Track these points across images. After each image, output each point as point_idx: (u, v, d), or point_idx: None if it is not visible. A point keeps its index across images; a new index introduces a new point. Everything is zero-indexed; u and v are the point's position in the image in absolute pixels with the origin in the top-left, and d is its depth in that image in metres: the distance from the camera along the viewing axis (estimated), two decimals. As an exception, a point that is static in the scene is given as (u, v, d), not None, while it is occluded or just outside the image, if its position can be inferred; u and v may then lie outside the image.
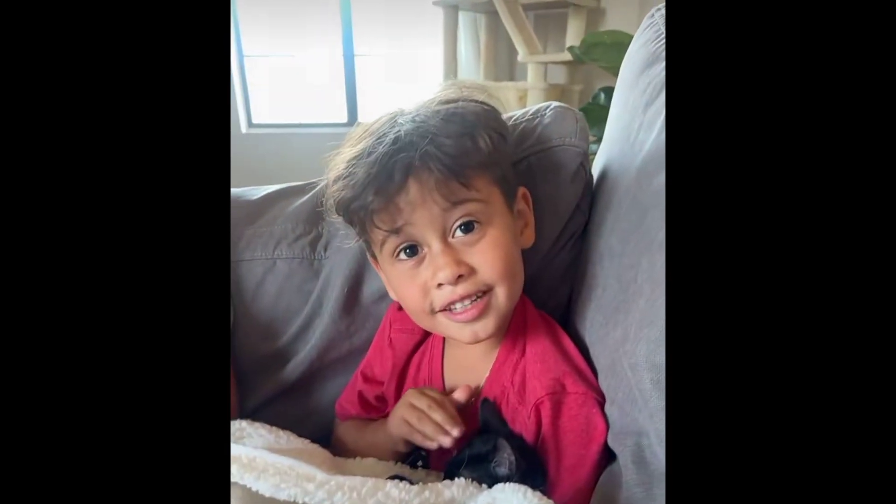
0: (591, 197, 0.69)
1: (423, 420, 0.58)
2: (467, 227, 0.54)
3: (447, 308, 0.56)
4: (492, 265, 0.55)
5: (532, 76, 2.45)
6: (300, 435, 0.65)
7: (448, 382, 0.66)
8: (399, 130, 0.53)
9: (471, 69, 2.74)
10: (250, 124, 3.27)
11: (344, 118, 3.21)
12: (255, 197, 0.80)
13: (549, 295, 0.71)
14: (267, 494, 0.44)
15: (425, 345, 0.68)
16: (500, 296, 0.56)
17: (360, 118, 3.30)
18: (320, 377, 0.77)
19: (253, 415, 0.76)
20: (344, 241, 0.74)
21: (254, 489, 0.44)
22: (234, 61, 3.10)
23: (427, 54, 3.07)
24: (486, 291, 0.55)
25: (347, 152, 0.56)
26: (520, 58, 2.51)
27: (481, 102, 0.59)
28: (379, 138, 0.53)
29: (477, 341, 0.58)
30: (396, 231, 0.54)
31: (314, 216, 0.78)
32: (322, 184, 0.79)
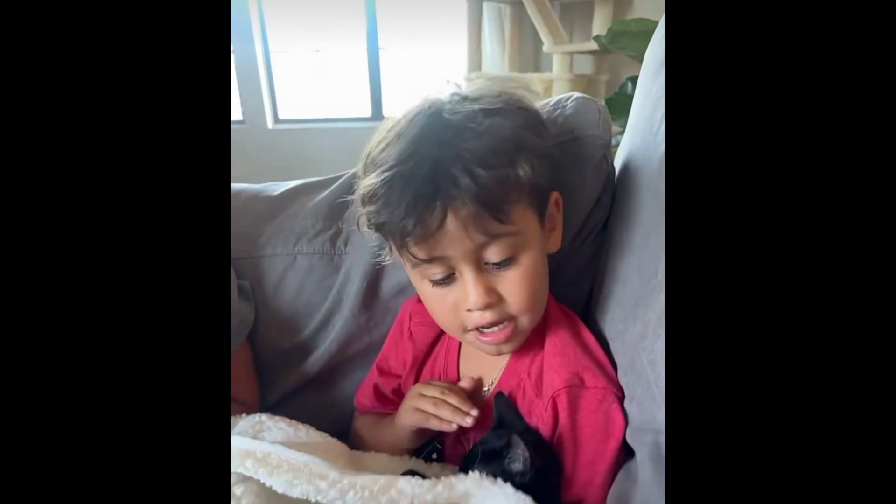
0: (612, 190, 0.68)
1: (440, 404, 0.59)
2: (502, 262, 0.54)
3: (477, 328, 0.57)
4: (519, 296, 0.55)
5: (558, 66, 2.42)
6: (320, 428, 0.66)
7: (463, 375, 0.66)
8: (435, 151, 0.50)
9: (496, 60, 2.71)
10: (276, 120, 3.31)
11: (368, 112, 3.22)
12: (276, 192, 0.81)
13: (570, 288, 0.70)
14: (280, 491, 0.44)
15: (440, 344, 0.68)
16: (525, 322, 0.57)
17: (385, 112, 3.31)
18: (340, 371, 0.77)
19: (275, 408, 0.78)
20: (363, 237, 0.75)
21: (267, 485, 0.44)
22: (260, 57, 3.13)
23: (451, 46, 3.06)
24: (512, 318, 0.56)
25: (377, 154, 0.54)
26: (545, 48, 2.48)
27: (518, 102, 0.56)
28: (413, 157, 0.51)
29: (500, 354, 0.61)
30: (431, 260, 0.53)
31: (334, 211, 0.78)
32: (343, 180, 0.80)
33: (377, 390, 0.71)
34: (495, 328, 0.56)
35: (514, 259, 0.54)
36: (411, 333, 0.69)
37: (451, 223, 0.50)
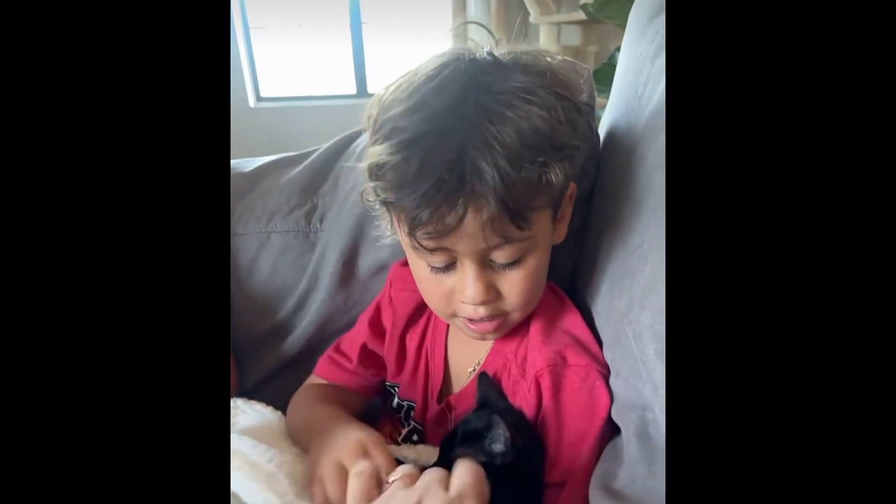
0: (597, 158, 0.65)
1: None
2: (510, 263, 0.50)
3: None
4: (518, 296, 0.52)
5: (544, 38, 2.37)
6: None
7: (451, 354, 0.64)
8: (462, 132, 0.44)
9: (481, 32, 2.65)
10: (258, 98, 3.23)
11: (353, 89, 3.16)
12: (248, 169, 0.78)
13: (557, 263, 0.67)
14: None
15: (427, 314, 0.66)
16: (516, 317, 0.55)
17: (371, 89, 3.24)
18: (319, 353, 0.74)
19: (252, 391, 0.75)
20: (340, 211, 0.72)
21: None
22: (239, 33, 3.05)
23: (436, 18, 2.99)
24: (505, 313, 0.54)
25: (393, 116, 0.47)
26: (532, 19, 2.42)
27: (561, 88, 0.49)
28: (436, 134, 0.44)
29: (484, 340, 0.58)
30: (436, 250, 0.49)
31: (309, 187, 0.75)
32: (317, 155, 0.76)
33: (365, 350, 0.66)
34: (485, 318, 0.53)
35: (522, 260, 0.51)
36: (391, 299, 0.66)
37: (470, 222, 0.45)
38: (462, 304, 0.53)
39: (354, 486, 0.45)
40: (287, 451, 0.52)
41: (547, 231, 0.52)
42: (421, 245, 0.48)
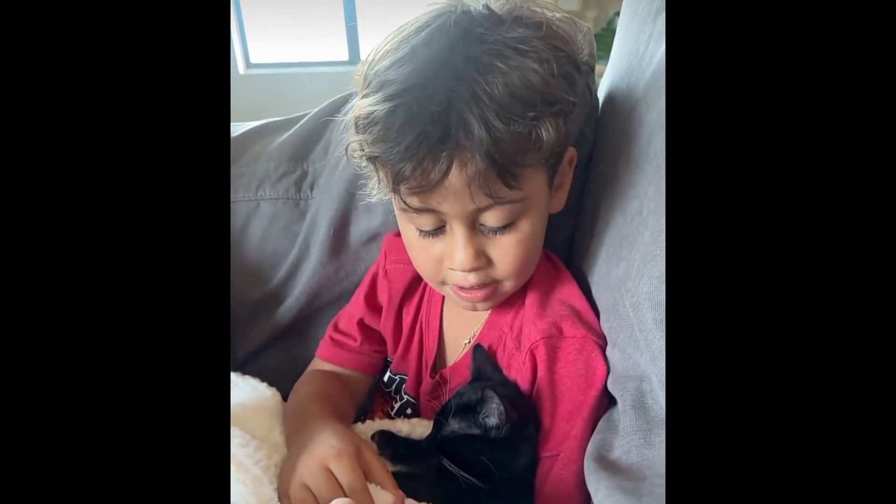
0: (595, 122, 0.63)
1: None
2: (499, 227, 0.48)
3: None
4: (509, 263, 0.50)
5: (542, 2, 2.31)
6: (288, 386, 0.63)
7: (446, 326, 0.62)
8: (450, 84, 0.42)
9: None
10: (248, 65, 3.16)
11: (346, 55, 3.08)
12: (235, 134, 0.75)
13: (554, 231, 0.66)
14: None
15: (423, 286, 0.64)
16: (509, 286, 0.53)
17: (363, 55, 3.16)
18: (312, 323, 0.74)
19: (246, 362, 0.74)
20: (331, 178, 0.70)
21: None
22: (228, -2, 2.96)
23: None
24: (496, 282, 0.52)
25: (382, 69, 0.45)
26: (528, -17, 2.36)
27: (557, 41, 0.47)
28: (424, 85, 0.42)
29: (475, 311, 0.56)
30: (423, 210, 0.47)
31: (299, 153, 0.73)
32: (307, 119, 0.74)
33: (363, 326, 0.65)
34: (476, 286, 0.52)
35: (514, 224, 0.49)
36: (386, 272, 0.64)
37: (455, 178, 0.43)
38: (451, 271, 0.51)
39: None
40: (278, 449, 0.51)
41: (541, 194, 0.50)
42: (407, 204, 0.47)
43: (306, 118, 0.75)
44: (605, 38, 1.91)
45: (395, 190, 0.46)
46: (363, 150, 0.47)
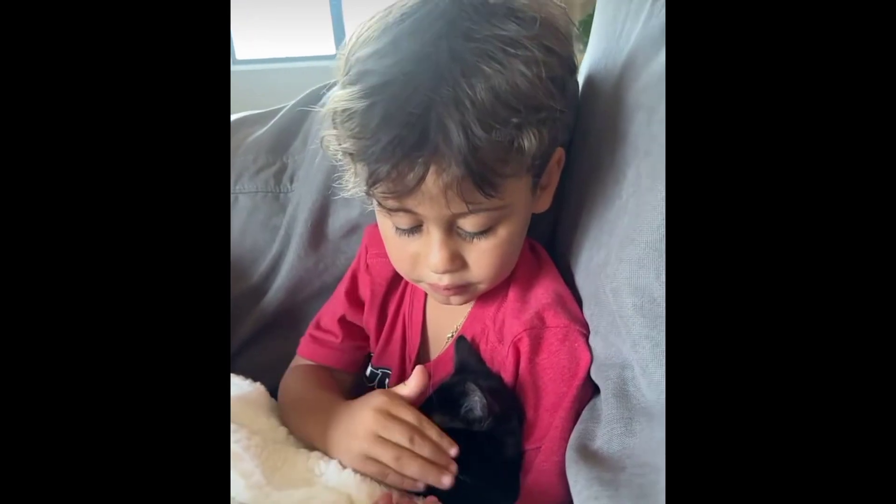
0: (576, 108, 0.62)
1: (405, 458, 0.46)
2: (479, 233, 0.47)
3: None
4: (485, 268, 0.49)
5: (528, -9, 2.29)
6: (274, 380, 0.62)
7: (430, 319, 0.61)
8: (431, 84, 0.40)
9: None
10: (235, 61, 3.14)
11: (332, 49, 3.06)
12: (212, 128, 0.74)
13: (537, 219, 0.65)
14: None
15: (405, 280, 0.63)
16: (482, 288, 0.52)
17: (347, 38, 3.12)
18: (296, 317, 0.72)
19: (234, 358, 0.73)
20: (310, 170, 0.68)
21: None
22: (213, -7, 2.93)
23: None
24: (471, 284, 0.51)
25: (361, 57, 0.43)
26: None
27: (551, 39, 0.44)
28: (403, 82, 0.40)
29: (448, 304, 0.55)
30: (398, 210, 0.45)
31: (278, 146, 0.71)
32: (285, 111, 0.73)
33: (344, 323, 0.63)
34: (449, 288, 0.51)
35: (492, 230, 0.47)
36: (368, 266, 0.63)
37: (431, 183, 0.42)
38: (427, 270, 0.50)
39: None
40: (257, 431, 0.51)
41: (522, 200, 0.48)
42: (381, 204, 0.45)
43: (284, 110, 0.74)
44: (591, 23, 1.90)
45: (370, 192, 0.44)
46: (339, 145, 0.45)
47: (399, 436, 0.46)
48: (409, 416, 0.47)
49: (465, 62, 0.41)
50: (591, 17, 2.02)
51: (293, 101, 0.73)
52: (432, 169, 0.41)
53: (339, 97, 0.43)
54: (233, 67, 3.14)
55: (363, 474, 0.47)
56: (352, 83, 0.43)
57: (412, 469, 0.45)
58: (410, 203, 0.44)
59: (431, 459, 0.45)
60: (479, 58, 0.41)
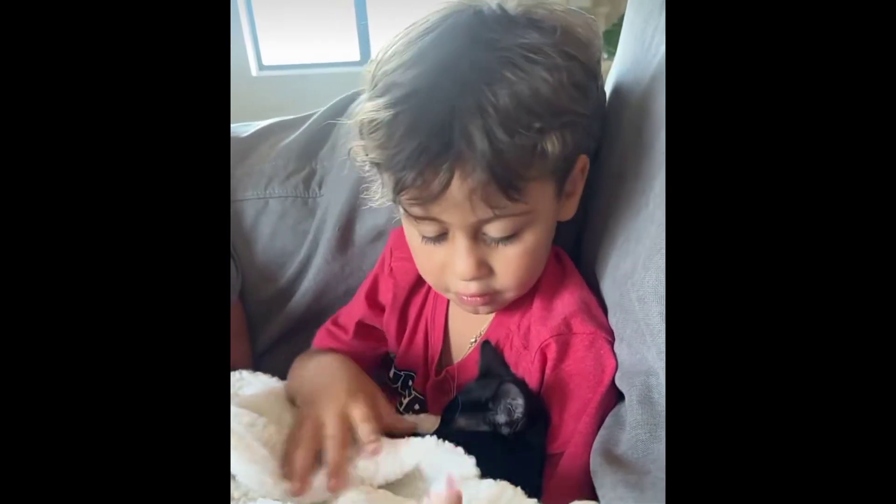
0: (603, 118, 0.63)
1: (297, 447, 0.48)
2: (504, 238, 0.48)
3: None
4: (512, 275, 0.50)
5: None
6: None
7: (452, 324, 0.62)
8: (455, 91, 0.41)
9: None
10: (261, 67, 3.19)
11: (357, 56, 3.10)
12: (245, 134, 0.76)
13: (562, 226, 0.65)
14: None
15: (428, 285, 0.64)
16: (510, 296, 0.53)
17: (374, 56, 3.17)
18: (320, 320, 0.73)
19: (261, 357, 0.76)
20: (339, 176, 0.70)
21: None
22: (241, 2, 2.98)
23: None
24: (497, 292, 0.52)
25: (389, 70, 0.45)
26: (539, -20, 2.35)
27: (573, 46, 0.46)
28: (428, 92, 0.42)
29: (476, 314, 0.56)
30: (424, 218, 0.47)
31: (308, 151, 0.73)
32: (316, 118, 0.74)
33: (361, 326, 0.65)
34: (476, 296, 0.52)
35: (517, 235, 0.48)
36: (392, 269, 0.64)
37: (456, 188, 0.43)
38: (453, 278, 0.51)
39: None
40: (274, 421, 0.52)
41: (547, 205, 0.49)
42: (408, 212, 0.47)
43: (314, 117, 0.75)
44: (615, 33, 1.90)
45: (396, 200, 0.46)
46: (366, 155, 0.47)
47: (329, 448, 0.48)
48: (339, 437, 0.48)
49: (487, 70, 0.42)
50: (615, 26, 2.03)
51: (323, 108, 0.75)
52: (457, 174, 0.42)
53: (365, 109, 0.45)
54: (259, 73, 3.19)
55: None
56: (378, 95, 0.45)
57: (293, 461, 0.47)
58: (436, 210, 0.45)
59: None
60: (501, 66, 0.42)
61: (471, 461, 0.44)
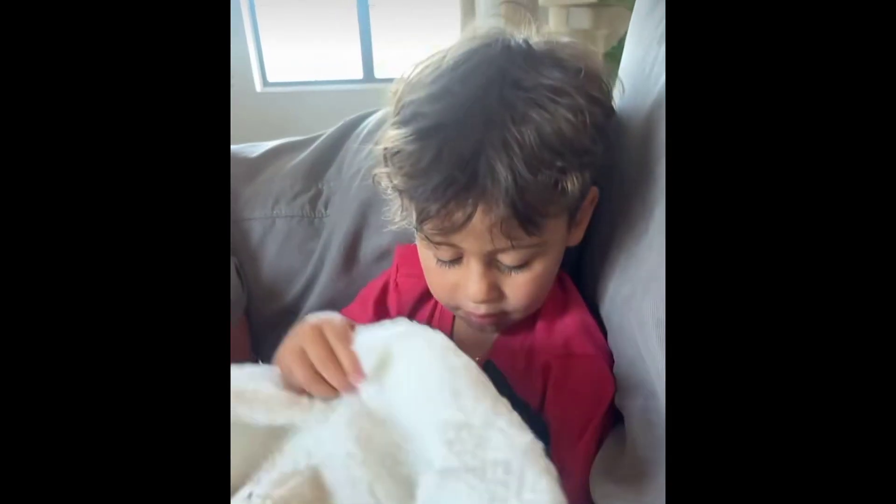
0: (611, 148, 0.64)
1: (314, 383, 0.44)
2: (517, 266, 0.50)
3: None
4: (522, 298, 0.52)
5: (554, 21, 2.33)
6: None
7: (457, 342, 0.62)
8: (482, 126, 0.42)
9: (489, 15, 2.63)
10: (265, 83, 3.23)
11: (360, 74, 3.14)
12: (254, 154, 0.78)
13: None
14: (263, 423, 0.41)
15: (434, 301, 0.65)
16: (517, 317, 0.55)
17: (377, 74, 3.22)
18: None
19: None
20: (345, 197, 0.71)
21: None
22: (246, 19, 3.03)
23: (443, 3, 2.96)
24: (507, 313, 0.53)
25: (416, 99, 0.46)
26: (541, 1, 2.39)
27: (594, 88, 0.47)
28: (455, 126, 0.43)
29: (483, 333, 0.57)
30: (443, 244, 0.49)
31: (314, 172, 0.75)
32: (323, 139, 0.76)
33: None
34: (485, 316, 0.53)
35: (529, 264, 0.50)
36: (397, 284, 0.65)
37: (478, 221, 0.44)
38: (465, 299, 0.52)
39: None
40: None
41: (559, 237, 0.51)
42: (427, 238, 0.48)
43: (321, 138, 0.77)
44: (615, 55, 1.93)
45: (419, 228, 0.47)
46: (391, 182, 0.48)
47: (314, 355, 0.44)
48: (333, 336, 0.45)
49: (514, 109, 0.43)
50: (614, 49, 2.05)
51: (330, 130, 0.77)
52: (480, 208, 0.44)
53: (390, 136, 0.46)
54: (263, 89, 3.23)
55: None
56: (404, 124, 0.46)
57: (318, 391, 0.44)
58: (456, 238, 0.47)
59: (336, 384, 0.43)
60: (527, 105, 0.43)
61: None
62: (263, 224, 0.74)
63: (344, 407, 0.43)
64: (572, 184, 0.45)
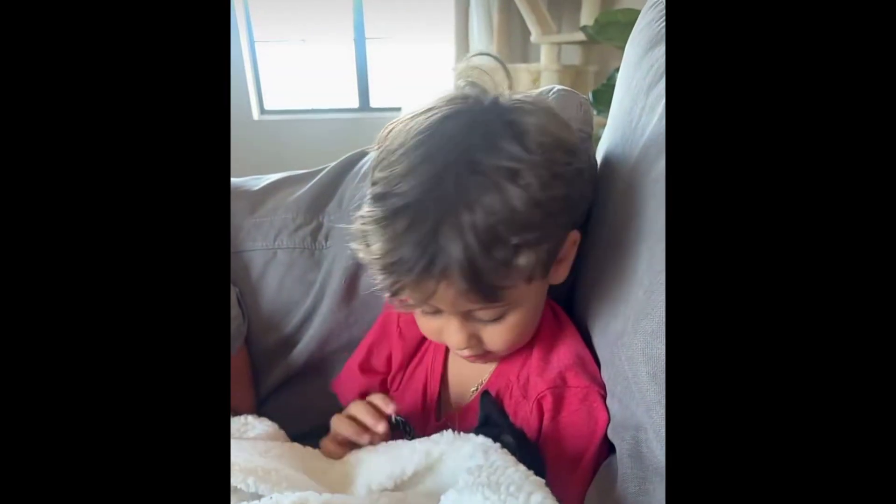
0: (595, 182, 0.67)
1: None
2: (493, 319, 0.54)
3: None
4: (500, 344, 0.56)
5: (545, 57, 2.41)
6: (305, 422, 0.65)
7: (454, 372, 0.65)
8: (440, 206, 0.45)
9: (483, 50, 2.70)
10: (262, 111, 3.27)
11: (356, 103, 3.19)
12: (257, 187, 0.80)
13: (556, 285, 0.69)
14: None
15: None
16: (503, 355, 0.59)
17: (373, 103, 3.28)
18: (322, 367, 0.77)
19: (264, 402, 0.78)
20: (346, 230, 0.74)
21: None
22: (244, 47, 3.09)
23: (439, 36, 3.03)
24: (491, 353, 0.57)
25: (391, 164, 0.48)
26: (533, 38, 2.46)
27: (566, 159, 0.49)
28: (418, 203, 0.46)
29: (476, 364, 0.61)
30: (418, 305, 0.52)
31: (315, 205, 0.77)
32: (324, 173, 0.79)
33: (364, 394, 0.68)
34: (472, 356, 0.58)
35: (503, 317, 0.54)
36: (401, 331, 0.68)
37: (443, 293, 0.49)
38: (450, 342, 0.56)
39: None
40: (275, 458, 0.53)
41: (531, 293, 0.54)
42: (402, 303, 0.52)
43: (323, 172, 0.80)
44: (605, 92, 1.99)
45: (391, 298, 0.51)
46: (364, 258, 0.51)
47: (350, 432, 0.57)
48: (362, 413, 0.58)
49: (468, 193, 0.45)
50: (604, 86, 2.09)
51: (332, 164, 0.80)
52: (443, 284, 0.48)
53: (363, 215, 0.50)
54: (260, 116, 3.27)
55: None
56: (375, 201, 0.49)
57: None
58: (429, 303, 0.51)
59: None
60: (481, 190, 0.45)
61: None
62: (265, 255, 0.76)
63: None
64: (527, 259, 0.47)
